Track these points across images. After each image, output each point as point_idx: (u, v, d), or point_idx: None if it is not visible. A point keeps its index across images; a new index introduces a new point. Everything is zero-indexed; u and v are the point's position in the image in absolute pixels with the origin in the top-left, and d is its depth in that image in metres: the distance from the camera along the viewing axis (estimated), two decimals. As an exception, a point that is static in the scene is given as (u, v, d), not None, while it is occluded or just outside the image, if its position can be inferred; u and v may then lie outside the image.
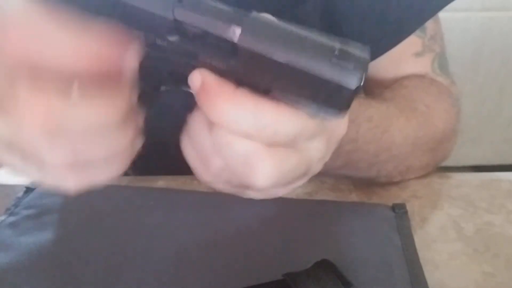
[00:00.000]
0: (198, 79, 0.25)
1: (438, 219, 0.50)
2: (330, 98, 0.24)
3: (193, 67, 0.26)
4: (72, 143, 0.24)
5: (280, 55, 0.23)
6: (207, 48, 0.25)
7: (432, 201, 0.52)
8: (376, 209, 0.50)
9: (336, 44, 0.23)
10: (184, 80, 0.27)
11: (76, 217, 0.49)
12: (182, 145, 0.30)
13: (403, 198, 0.52)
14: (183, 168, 0.38)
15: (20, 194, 0.53)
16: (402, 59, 0.59)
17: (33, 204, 0.51)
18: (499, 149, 1.68)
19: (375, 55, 0.59)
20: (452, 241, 0.47)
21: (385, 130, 0.48)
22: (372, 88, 0.63)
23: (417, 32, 0.57)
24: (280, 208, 0.50)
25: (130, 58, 0.24)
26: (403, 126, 0.50)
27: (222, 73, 0.25)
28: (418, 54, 0.58)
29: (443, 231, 0.48)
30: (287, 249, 0.45)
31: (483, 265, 0.44)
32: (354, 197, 0.53)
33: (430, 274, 0.42)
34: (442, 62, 0.60)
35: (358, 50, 0.24)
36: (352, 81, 0.23)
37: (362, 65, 0.23)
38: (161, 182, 0.55)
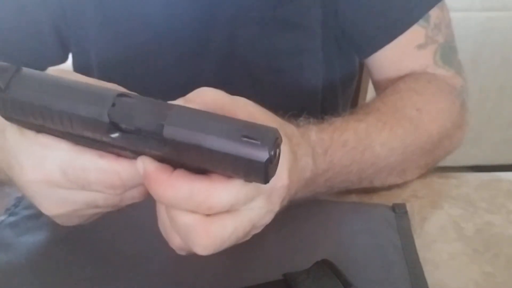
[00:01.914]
0: (140, 166, 0.31)
1: (438, 219, 0.50)
2: (250, 170, 0.28)
3: (138, 154, 0.31)
4: None
5: (199, 141, 0.28)
6: (143, 140, 0.30)
7: (432, 201, 0.52)
8: (376, 209, 0.50)
9: (244, 126, 0.28)
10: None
11: (76, 217, 0.49)
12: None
13: (403, 198, 0.52)
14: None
15: (20, 194, 0.53)
16: (405, 53, 0.58)
17: (33, 204, 0.51)
18: (499, 149, 1.68)
19: (379, 45, 0.59)
20: (452, 241, 0.47)
21: (365, 149, 0.48)
22: (378, 87, 0.63)
23: (421, 21, 0.57)
24: (280, 208, 0.50)
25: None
26: (387, 139, 0.49)
27: (161, 158, 0.30)
28: (420, 47, 0.58)
29: (443, 231, 0.48)
30: (287, 249, 0.45)
31: (483, 265, 0.44)
32: (354, 197, 0.53)
33: (430, 274, 0.42)
34: (445, 52, 0.59)
35: (264, 129, 0.28)
36: (261, 155, 0.27)
37: (270, 140, 0.27)
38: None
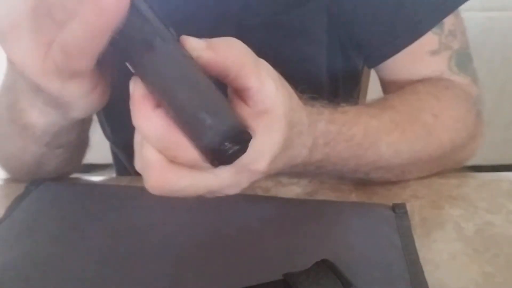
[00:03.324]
0: (131, 88, 0.30)
1: (438, 219, 0.50)
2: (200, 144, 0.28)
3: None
4: None
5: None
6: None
7: (432, 201, 0.52)
8: (376, 209, 0.50)
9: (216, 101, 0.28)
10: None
11: (76, 217, 0.49)
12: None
13: (403, 198, 0.52)
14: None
15: (20, 194, 0.53)
16: (417, 58, 0.57)
17: (33, 204, 0.51)
18: (499, 149, 1.68)
19: (389, 54, 0.58)
20: (452, 241, 0.47)
21: (370, 147, 0.47)
22: (387, 88, 0.62)
23: (434, 28, 0.56)
24: (280, 208, 0.50)
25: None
26: (395, 140, 0.49)
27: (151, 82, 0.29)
28: (434, 52, 0.57)
29: (443, 231, 0.48)
30: (287, 249, 0.45)
31: (483, 265, 0.44)
32: (354, 197, 0.53)
33: (430, 274, 0.42)
34: (461, 59, 0.58)
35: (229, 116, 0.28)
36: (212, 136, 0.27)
37: (225, 128, 0.27)
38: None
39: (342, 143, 0.45)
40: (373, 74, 0.70)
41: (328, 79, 0.64)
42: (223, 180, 0.33)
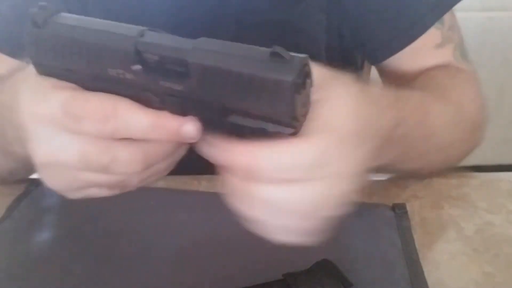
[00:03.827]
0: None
1: (438, 219, 0.50)
2: (275, 99, 0.27)
3: (160, 95, 0.30)
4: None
5: (226, 64, 0.27)
6: (166, 74, 0.29)
7: (432, 201, 0.52)
8: (376, 209, 0.50)
9: (270, 50, 0.27)
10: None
11: (76, 217, 0.49)
12: None
13: (403, 198, 0.52)
14: (183, 168, 0.38)
15: (20, 194, 0.53)
16: (423, 52, 0.58)
17: (33, 204, 0.51)
18: (499, 149, 1.68)
19: (393, 51, 0.58)
20: (452, 241, 0.47)
21: (426, 113, 0.46)
22: (392, 81, 0.62)
23: (436, 24, 0.57)
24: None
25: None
26: (441, 111, 0.49)
27: (182, 98, 0.29)
28: (438, 45, 0.58)
29: (443, 231, 0.48)
30: (287, 249, 0.45)
31: (483, 265, 0.44)
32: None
33: (430, 274, 0.42)
34: (463, 51, 0.59)
35: (294, 55, 0.27)
36: (288, 75, 0.26)
37: (298, 64, 0.26)
38: (161, 182, 0.55)
39: (405, 106, 0.42)
40: (373, 74, 0.70)
41: None
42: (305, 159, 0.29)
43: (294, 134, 0.29)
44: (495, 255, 0.45)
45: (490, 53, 1.50)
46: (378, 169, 0.43)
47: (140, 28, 0.30)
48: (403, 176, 0.55)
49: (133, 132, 0.31)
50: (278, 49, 0.26)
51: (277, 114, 0.27)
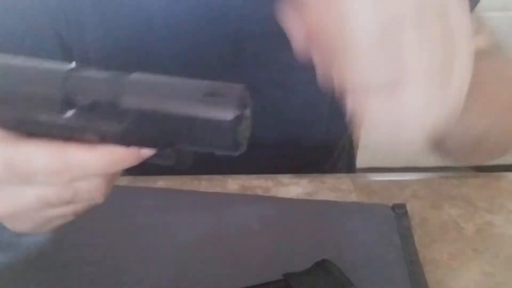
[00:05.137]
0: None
1: (438, 219, 0.50)
2: (218, 135, 0.26)
3: (99, 136, 0.29)
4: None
5: (158, 107, 0.26)
6: (100, 116, 0.28)
7: (432, 201, 0.52)
8: (376, 209, 0.50)
9: (207, 86, 0.26)
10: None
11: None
12: None
13: (403, 198, 0.52)
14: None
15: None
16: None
17: None
18: (499, 149, 1.68)
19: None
20: (452, 241, 0.47)
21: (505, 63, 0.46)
22: None
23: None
24: (280, 208, 0.50)
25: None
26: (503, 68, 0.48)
27: (121, 138, 0.28)
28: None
29: (443, 231, 0.48)
30: (287, 249, 0.45)
31: (483, 265, 0.44)
32: (354, 197, 0.53)
33: (430, 274, 0.42)
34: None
35: (229, 88, 0.26)
36: (227, 113, 0.25)
37: (235, 97, 0.26)
38: (161, 182, 0.55)
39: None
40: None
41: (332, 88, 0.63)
42: None
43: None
44: (495, 255, 0.45)
45: (490, 53, 1.50)
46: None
47: (64, 69, 0.28)
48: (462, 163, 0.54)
49: (92, 175, 0.30)
50: (213, 85, 0.26)
51: (221, 145, 0.27)
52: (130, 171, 0.34)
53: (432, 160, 0.57)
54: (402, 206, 0.50)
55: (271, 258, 0.44)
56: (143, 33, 0.59)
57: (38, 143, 0.30)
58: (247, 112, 0.27)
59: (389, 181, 0.55)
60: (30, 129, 0.30)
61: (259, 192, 0.53)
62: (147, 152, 0.29)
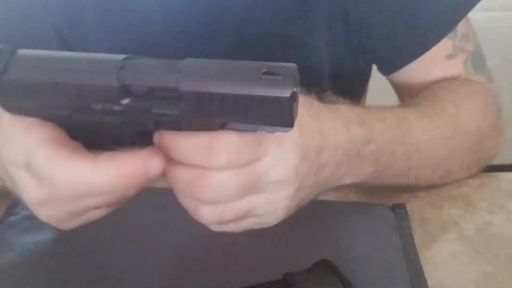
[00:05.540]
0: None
1: (438, 219, 0.50)
2: (274, 112, 0.27)
3: (153, 124, 0.30)
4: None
5: (218, 88, 0.27)
6: (157, 102, 0.28)
7: (432, 201, 0.52)
8: (376, 209, 0.50)
9: (261, 65, 0.27)
10: (143, 137, 0.31)
11: (76, 217, 0.49)
12: None
13: (403, 198, 0.52)
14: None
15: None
16: (434, 63, 0.57)
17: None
18: (499, 149, 1.68)
19: (405, 61, 0.58)
20: (452, 241, 0.47)
21: (406, 130, 0.46)
22: (404, 95, 0.61)
23: (448, 34, 0.56)
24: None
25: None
26: (427, 126, 0.48)
27: (177, 122, 0.29)
28: (449, 56, 0.57)
29: (443, 231, 0.48)
30: (287, 249, 0.45)
31: (483, 265, 0.44)
32: (354, 197, 0.53)
33: (430, 274, 0.42)
34: (476, 61, 0.59)
35: (283, 66, 0.27)
36: (285, 90, 0.26)
37: (291, 76, 0.26)
38: (161, 182, 0.55)
39: (377, 123, 0.43)
40: (372, 77, 0.70)
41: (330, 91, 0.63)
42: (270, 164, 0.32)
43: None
44: (495, 255, 0.45)
45: (490, 53, 1.50)
46: (361, 185, 0.45)
47: (119, 58, 0.28)
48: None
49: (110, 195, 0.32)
50: (267, 65, 0.27)
51: (278, 121, 0.28)
52: None
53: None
54: (402, 206, 0.50)
55: (271, 258, 0.44)
56: (144, 33, 0.59)
57: (61, 168, 0.30)
58: (298, 90, 0.28)
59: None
60: (82, 116, 0.30)
61: (259, 192, 0.53)
62: (155, 170, 0.32)
